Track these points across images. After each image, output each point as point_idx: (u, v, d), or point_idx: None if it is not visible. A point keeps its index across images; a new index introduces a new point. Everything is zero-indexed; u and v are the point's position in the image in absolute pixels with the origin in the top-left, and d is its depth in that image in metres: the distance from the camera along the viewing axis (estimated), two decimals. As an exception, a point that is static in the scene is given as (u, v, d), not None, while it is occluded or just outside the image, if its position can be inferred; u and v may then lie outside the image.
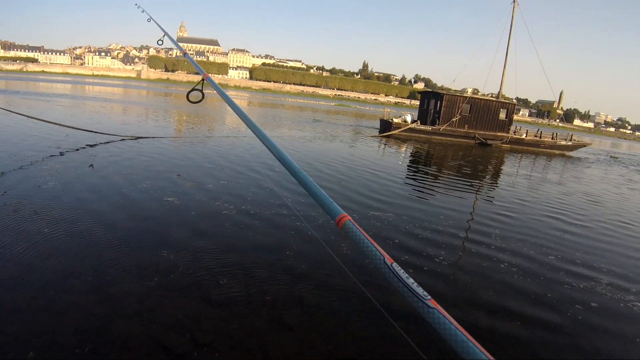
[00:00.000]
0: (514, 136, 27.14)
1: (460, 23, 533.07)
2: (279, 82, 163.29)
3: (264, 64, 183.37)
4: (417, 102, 35.50)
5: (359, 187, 9.40)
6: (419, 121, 26.64)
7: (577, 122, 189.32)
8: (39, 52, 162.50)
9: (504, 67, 29.80)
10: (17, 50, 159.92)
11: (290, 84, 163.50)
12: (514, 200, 9.95)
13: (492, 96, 34.28)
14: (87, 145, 11.36)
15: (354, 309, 4.01)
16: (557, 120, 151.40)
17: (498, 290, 4.77)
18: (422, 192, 9.94)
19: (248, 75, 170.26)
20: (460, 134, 26.22)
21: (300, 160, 12.11)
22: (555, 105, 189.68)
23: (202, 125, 21.91)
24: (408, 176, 12.14)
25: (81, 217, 5.69)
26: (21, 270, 4.09)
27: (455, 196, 9.77)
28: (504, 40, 30.43)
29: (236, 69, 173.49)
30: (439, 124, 26.06)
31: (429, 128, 25.90)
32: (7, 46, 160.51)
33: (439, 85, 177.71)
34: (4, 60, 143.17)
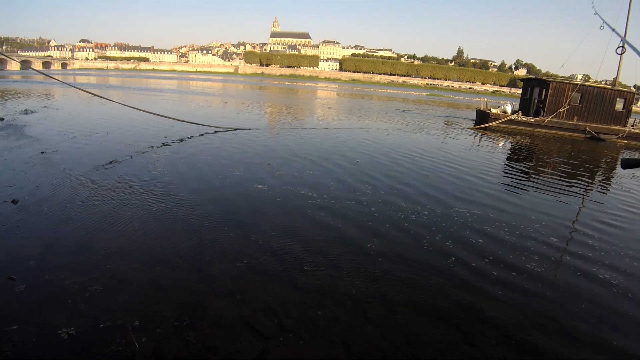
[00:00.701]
0: (633, 130, 23.36)
1: (567, 2, 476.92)
2: (369, 73, 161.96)
3: (353, 54, 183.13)
4: (518, 91, 32.67)
5: (445, 184, 8.88)
6: (520, 112, 24.30)
7: None
8: (150, 52, 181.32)
9: (622, 49, 25.94)
10: (130, 50, 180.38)
11: (380, 74, 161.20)
12: (625, 209, 8.23)
13: (606, 83, 30.13)
14: (193, 136, 12.46)
15: (442, 311, 3.83)
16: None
17: (597, 318, 3.98)
18: (516, 192, 8.95)
19: (338, 67, 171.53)
20: (568, 126, 23.38)
21: (386, 152, 11.89)
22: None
23: (292, 116, 22.62)
24: (503, 174, 11.18)
25: (184, 201, 6.26)
26: (134, 246, 4.62)
27: (555, 199, 8.57)
28: (622, 19, 26.21)
29: (326, 61, 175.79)
30: (543, 115, 23.56)
31: (531, 120, 23.54)
32: (122, 47, 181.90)
33: (544, 71, 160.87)
34: (120, 60, 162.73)
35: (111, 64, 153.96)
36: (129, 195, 6.36)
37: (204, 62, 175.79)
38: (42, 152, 8.93)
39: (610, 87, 24.56)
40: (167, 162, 8.87)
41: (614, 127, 23.25)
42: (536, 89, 25.21)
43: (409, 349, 3.26)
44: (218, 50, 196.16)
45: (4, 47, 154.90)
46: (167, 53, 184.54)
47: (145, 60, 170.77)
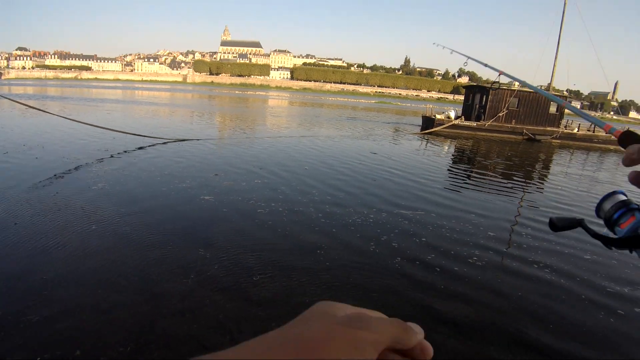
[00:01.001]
0: (565, 131, 25.49)
1: (506, 13, 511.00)
2: (320, 81, 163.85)
3: (304, 63, 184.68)
4: (462, 97, 34.42)
5: (391, 188, 9.18)
6: (463, 117, 25.76)
7: (633, 114, 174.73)
8: (92, 60, 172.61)
9: (555, 57, 28.22)
10: (72, 59, 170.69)
11: (331, 82, 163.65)
12: (558, 206, 8.80)
13: (541, 88, 32.50)
14: (136, 148, 11.96)
15: (396, 310, 3.91)
16: (611, 113, 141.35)
17: (536, 318, 4.13)
18: (459, 192, 9.49)
19: (289, 76, 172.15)
20: (507, 129, 25.00)
21: (334, 159, 12.07)
22: (609, 97, 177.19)
23: (241, 126, 22.39)
24: (447, 176, 11.76)
25: (127, 217, 5.99)
26: (71, 268, 4.35)
27: (493, 198, 9.13)
28: (555, 30, 28.71)
29: (278, 70, 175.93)
30: (484, 120, 25.05)
31: (473, 124, 24.92)
32: (63, 56, 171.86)
33: (485, 78, 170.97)
34: (60, 69, 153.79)
35: (50, 73, 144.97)
36: (68, 214, 5.98)
37: (151, 71, 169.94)
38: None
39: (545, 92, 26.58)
40: (108, 176, 8.45)
41: (548, 129, 25.17)
42: (477, 95, 26.71)
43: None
44: (166, 59, 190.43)
45: None
46: (112, 61, 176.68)
47: (88, 69, 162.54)
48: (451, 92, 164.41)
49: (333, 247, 5.40)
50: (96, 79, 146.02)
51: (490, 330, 3.78)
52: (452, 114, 25.73)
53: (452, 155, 16.82)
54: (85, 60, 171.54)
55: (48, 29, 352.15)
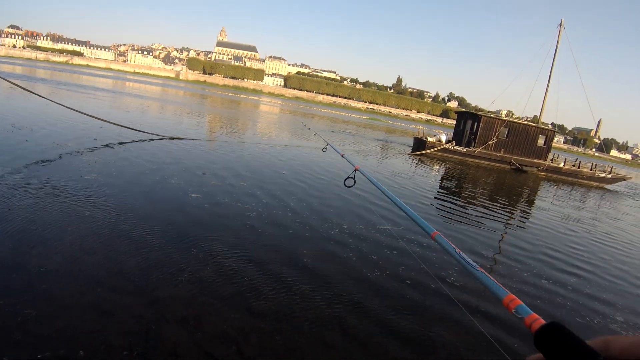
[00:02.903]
0: (551, 164, 26.19)
1: (500, 45, 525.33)
2: (312, 92, 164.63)
3: (298, 72, 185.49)
4: (450, 121, 35.03)
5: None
6: (454, 141, 26.15)
7: (614, 152, 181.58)
8: (85, 46, 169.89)
9: (546, 91, 29.04)
10: (64, 43, 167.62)
11: (323, 94, 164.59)
12: (538, 242, 8.40)
13: (527, 120, 33.38)
14: (128, 141, 11.73)
15: (396, 329, 3.90)
16: (594, 150, 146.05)
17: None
18: (446, 216, 9.66)
19: (283, 83, 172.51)
20: (496, 158, 25.53)
21: (317, 173, 12.08)
22: (592, 133, 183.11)
23: (232, 129, 22.25)
24: (436, 198, 11.89)
25: (124, 212, 5.82)
26: (69, 263, 4.17)
27: (477, 227, 8.94)
28: (546, 64, 29.53)
29: (271, 76, 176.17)
30: (474, 146, 25.49)
31: (463, 149, 25.35)
32: (56, 39, 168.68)
33: (473, 105, 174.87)
34: (52, 52, 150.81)
35: (41, 55, 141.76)
36: (62, 204, 5.76)
37: (144, 64, 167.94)
38: (-44, 150, 7.91)
39: (534, 124, 27.28)
40: (101, 167, 8.23)
41: (535, 161, 25.79)
42: (469, 122, 27.19)
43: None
44: (160, 53, 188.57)
45: None
46: (105, 50, 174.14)
47: (80, 54, 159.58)
48: (440, 115, 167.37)
49: (337, 263, 5.35)
50: (87, 65, 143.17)
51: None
52: (444, 138, 26.12)
53: (442, 178, 17.02)
54: (78, 45, 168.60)
55: (42, 9, 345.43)
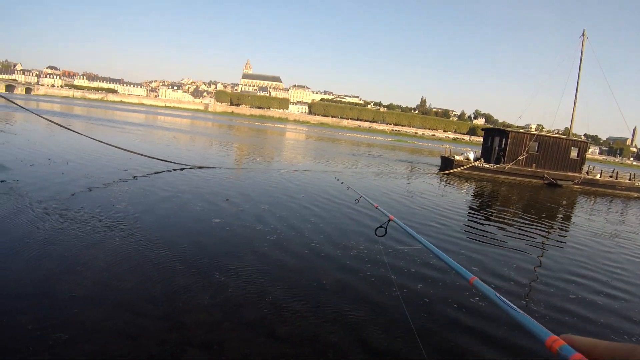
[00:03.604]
0: (587, 176, 25.10)
1: (524, 58, 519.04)
2: (337, 117, 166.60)
3: (322, 99, 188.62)
4: (477, 138, 34.47)
5: (422, 219, 9.07)
6: (482, 159, 25.58)
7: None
8: (119, 84, 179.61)
9: (575, 102, 28.13)
10: (99, 81, 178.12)
11: (348, 118, 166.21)
12: (578, 260, 7.94)
13: (558, 133, 32.42)
14: (156, 171, 12.13)
15: (422, 354, 3.75)
16: (631, 159, 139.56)
17: None
18: (480, 234, 9.33)
19: (307, 110, 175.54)
20: (528, 173, 24.74)
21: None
22: (628, 142, 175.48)
23: (259, 157, 22.65)
24: (468, 218, 11.56)
25: (153, 240, 5.95)
26: (100, 289, 4.29)
27: (513, 246, 8.55)
28: (572, 75, 28.71)
29: (296, 104, 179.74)
30: (504, 163, 24.85)
31: (493, 166, 24.74)
32: (91, 77, 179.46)
33: (501, 121, 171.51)
34: (88, 90, 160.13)
35: (78, 93, 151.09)
36: (93, 232, 5.98)
37: (174, 98, 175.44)
38: (1, 181, 8.39)
39: (565, 137, 26.37)
40: (131, 196, 8.54)
41: (569, 174, 24.79)
42: (497, 138, 26.65)
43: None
44: (189, 87, 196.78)
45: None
46: (137, 86, 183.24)
47: (114, 91, 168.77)
48: (467, 133, 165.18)
49: (362, 288, 5.26)
50: (121, 101, 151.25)
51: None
52: (472, 156, 25.61)
53: (472, 197, 16.59)
54: (112, 83, 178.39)
55: (79, 50, 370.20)
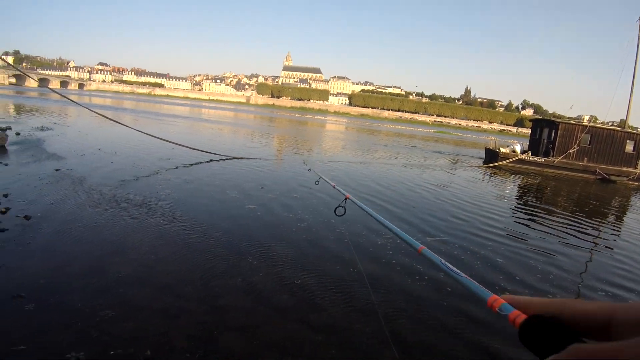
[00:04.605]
0: (644, 172, 23.30)
1: (577, 43, 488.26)
2: (377, 108, 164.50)
3: (363, 90, 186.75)
4: (525, 130, 32.86)
5: (458, 221, 8.83)
6: (529, 152, 24.32)
7: None
8: (165, 78, 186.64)
9: (631, 92, 26.06)
10: (147, 76, 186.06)
11: (388, 109, 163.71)
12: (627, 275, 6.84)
13: (613, 125, 30.29)
14: (199, 162, 12.56)
15: (452, 350, 3.68)
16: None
17: None
18: (523, 237, 8.93)
19: (347, 102, 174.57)
20: (578, 167, 23.32)
21: (393, 190, 11.88)
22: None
23: (300, 147, 22.83)
24: (513, 213, 11.10)
25: (195, 226, 6.21)
26: (145, 271, 4.54)
27: (561, 243, 8.16)
28: (629, 62, 26.55)
29: (336, 96, 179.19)
30: (552, 156, 23.56)
31: (541, 160, 23.51)
32: (139, 72, 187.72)
33: (551, 112, 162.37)
34: (136, 85, 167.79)
35: (127, 88, 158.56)
36: (140, 217, 6.33)
37: (217, 91, 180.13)
38: (57, 170, 9.02)
39: (620, 129, 24.59)
40: (174, 185, 8.95)
41: (624, 169, 23.17)
42: (545, 130, 25.34)
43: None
44: (231, 81, 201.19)
45: (24, 65, 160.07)
46: (182, 80, 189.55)
47: (161, 86, 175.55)
48: (514, 125, 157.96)
49: (398, 279, 5.22)
50: (168, 95, 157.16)
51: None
52: (518, 148, 24.46)
53: (519, 192, 15.91)
54: (159, 78, 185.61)
55: (127, 47, 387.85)
